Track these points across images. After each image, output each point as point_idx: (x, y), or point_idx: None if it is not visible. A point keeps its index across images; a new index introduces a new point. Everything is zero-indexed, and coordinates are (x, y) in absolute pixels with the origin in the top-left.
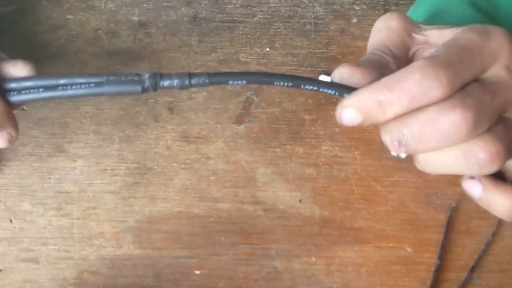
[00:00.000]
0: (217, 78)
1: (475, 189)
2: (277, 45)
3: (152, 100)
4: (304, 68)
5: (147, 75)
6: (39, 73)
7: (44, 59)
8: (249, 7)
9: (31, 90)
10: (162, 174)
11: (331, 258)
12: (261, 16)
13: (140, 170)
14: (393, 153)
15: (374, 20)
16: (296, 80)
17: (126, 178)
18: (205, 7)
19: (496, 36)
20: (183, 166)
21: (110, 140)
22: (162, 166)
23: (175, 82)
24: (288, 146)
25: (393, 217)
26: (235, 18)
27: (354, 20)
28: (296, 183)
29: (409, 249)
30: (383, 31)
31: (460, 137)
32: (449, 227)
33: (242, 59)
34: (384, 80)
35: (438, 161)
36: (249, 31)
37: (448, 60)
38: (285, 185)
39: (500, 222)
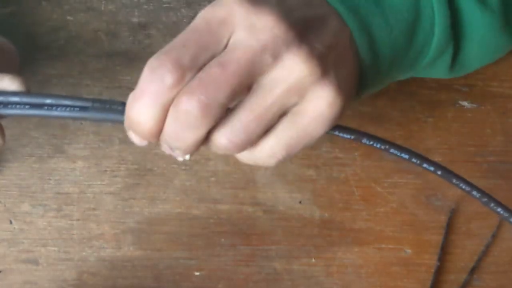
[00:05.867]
0: None
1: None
2: None
3: None
4: None
5: None
6: (39, 74)
7: (44, 61)
8: None
9: (17, 106)
10: (162, 175)
11: (331, 259)
12: None
13: (140, 171)
14: (179, 159)
15: None
16: None
17: (126, 179)
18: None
19: (224, 4)
20: (183, 167)
21: (110, 141)
22: (162, 167)
23: None
24: None
25: (393, 219)
26: None
27: None
28: (296, 184)
29: (409, 251)
30: None
31: (200, 122)
32: (449, 228)
33: None
34: (132, 91)
35: (207, 148)
36: None
37: (170, 46)
38: (285, 186)
39: (500, 224)
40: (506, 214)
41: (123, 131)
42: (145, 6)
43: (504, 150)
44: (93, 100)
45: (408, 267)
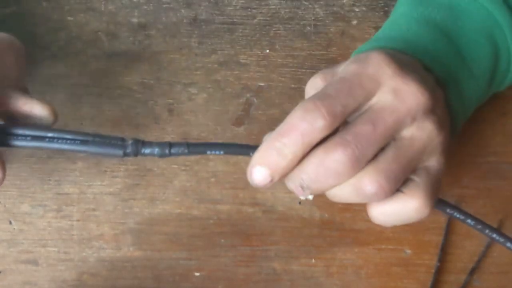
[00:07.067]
0: (195, 148)
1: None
2: (277, 46)
3: (152, 102)
4: (304, 70)
5: (130, 142)
6: (39, 75)
7: (44, 61)
8: (249, 9)
9: (19, 137)
10: (162, 176)
11: (330, 260)
12: (261, 18)
13: (140, 171)
14: (302, 197)
15: (374, 22)
16: None
17: (126, 180)
18: (205, 8)
19: (374, 62)
20: (183, 168)
21: None
22: (162, 168)
23: (156, 150)
24: None
25: None
26: (235, 20)
27: (354, 22)
28: None
29: (409, 251)
30: (312, 93)
31: (347, 172)
32: (449, 229)
33: (242, 60)
34: (277, 128)
35: (340, 195)
36: (249, 33)
37: (324, 93)
38: (285, 187)
39: (500, 224)
40: (493, 235)
41: (123, 132)
42: (145, 7)
43: (504, 150)
44: (94, 135)
45: (408, 268)
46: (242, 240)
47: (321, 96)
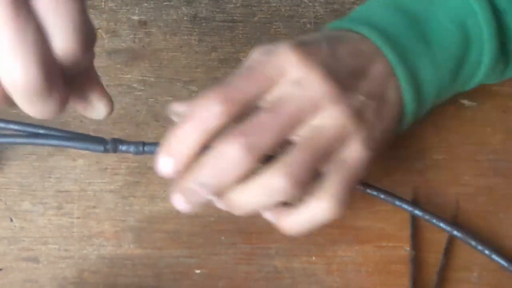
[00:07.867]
0: None
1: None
2: None
3: (152, 100)
4: None
5: (109, 140)
6: None
7: None
8: (250, 7)
9: (17, 134)
10: None
11: (331, 258)
12: (262, 16)
13: (141, 169)
14: (206, 197)
15: None
16: None
17: (127, 177)
18: (205, 6)
19: (281, 52)
20: None
21: None
22: None
23: (131, 148)
24: None
25: (393, 217)
26: (235, 18)
27: None
28: None
29: (409, 249)
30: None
31: (244, 161)
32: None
33: (242, 58)
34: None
35: (249, 199)
36: (249, 31)
37: (226, 81)
38: None
39: (499, 223)
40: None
41: (123, 130)
42: (146, 4)
43: (504, 148)
44: (79, 134)
45: (408, 265)
46: (242, 238)
47: (221, 84)
